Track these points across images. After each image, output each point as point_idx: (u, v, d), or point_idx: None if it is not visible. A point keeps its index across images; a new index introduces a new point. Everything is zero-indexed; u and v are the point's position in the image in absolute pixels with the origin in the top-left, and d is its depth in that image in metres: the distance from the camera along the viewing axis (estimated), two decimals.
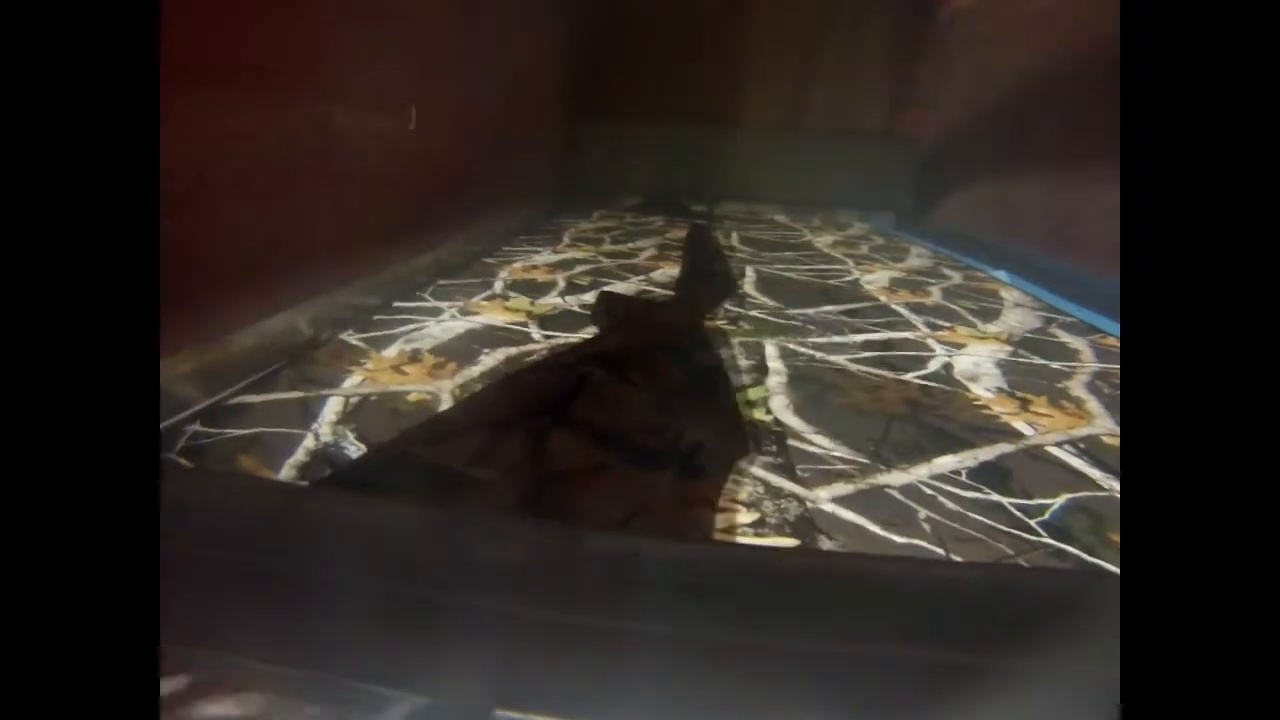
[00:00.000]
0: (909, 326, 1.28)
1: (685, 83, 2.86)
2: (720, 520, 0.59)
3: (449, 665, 0.32)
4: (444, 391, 0.85)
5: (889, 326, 1.28)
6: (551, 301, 1.32)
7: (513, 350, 1.01)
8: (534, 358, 0.97)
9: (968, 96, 2.46)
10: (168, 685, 0.29)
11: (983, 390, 0.96)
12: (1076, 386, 1.00)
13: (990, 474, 0.71)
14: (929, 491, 0.67)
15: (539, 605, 0.36)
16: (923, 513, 0.63)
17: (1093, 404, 0.93)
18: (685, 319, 1.19)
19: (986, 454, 0.76)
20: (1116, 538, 0.61)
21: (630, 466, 0.63)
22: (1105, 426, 0.86)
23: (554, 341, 1.06)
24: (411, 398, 0.83)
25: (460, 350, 1.00)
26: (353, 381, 0.88)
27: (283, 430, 0.73)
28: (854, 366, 1.03)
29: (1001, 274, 1.74)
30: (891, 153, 2.88)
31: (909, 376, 1.00)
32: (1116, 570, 0.56)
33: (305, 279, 1.03)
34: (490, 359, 0.97)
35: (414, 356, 0.98)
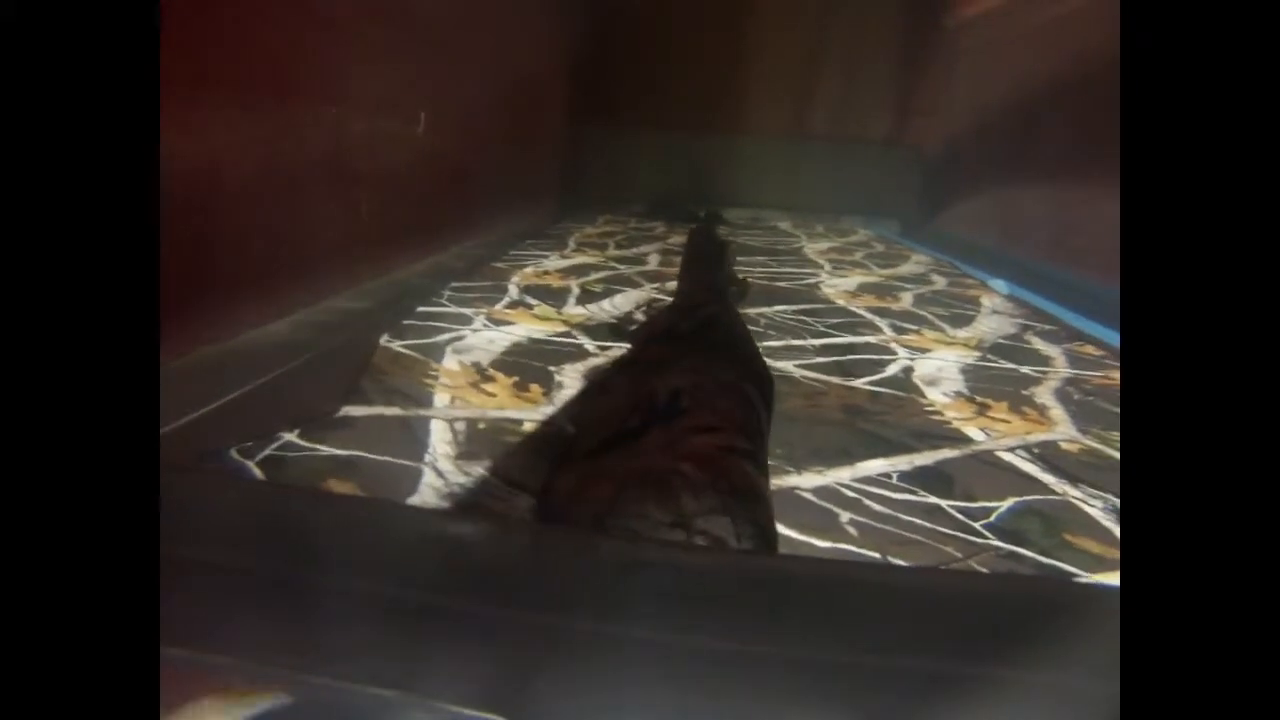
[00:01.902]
0: (875, 330, 1.26)
1: (690, 89, 2.90)
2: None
3: (449, 670, 0.33)
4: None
5: (851, 330, 1.26)
6: (583, 310, 1.28)
7: (579, 364, 0.97)
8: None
9: (973, 105, 2.50)
10: (167, 689, 0.29)
11: (939, 395, 0.92)
12: (1043, 393, 0.97)
13: (926, 478, 0.70)
14: (851, 494, 0.65)
15: (540, 611, 0.36)
16: (845, 515, 0.60)
17: (1057, 411, 0.91)
18: (679, 310, 1.14)
19: (924, 459, 0.74)
20: (1073, 539, 0.59)
21: (619, 454, 0.59)
22: (1066, 433, 0.83)
23: (610, 352, 1.03)
24: (527, 428, 0.76)
25: (523, 367, 0.95)
26: (442, 400, 0.81)
27: (386, 459, 0.66)
28: (799, 372, 0.98)
29: (1000, 283, 1.71)
30: (896, 160, 2.89)
31: (859, 382, 0.96)
32: (1077, 572, 0.55)
33: (313, 282, 1.04)
34: (568, 377, 0.92)
35: (483, 372, 0.92)
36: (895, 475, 0.68)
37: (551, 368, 0.95)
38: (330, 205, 1.10)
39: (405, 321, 1.11)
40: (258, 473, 0.61)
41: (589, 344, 1.07)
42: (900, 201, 2.87)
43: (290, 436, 0.68)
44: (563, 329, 1.15)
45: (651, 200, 2.92)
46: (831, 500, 0.63)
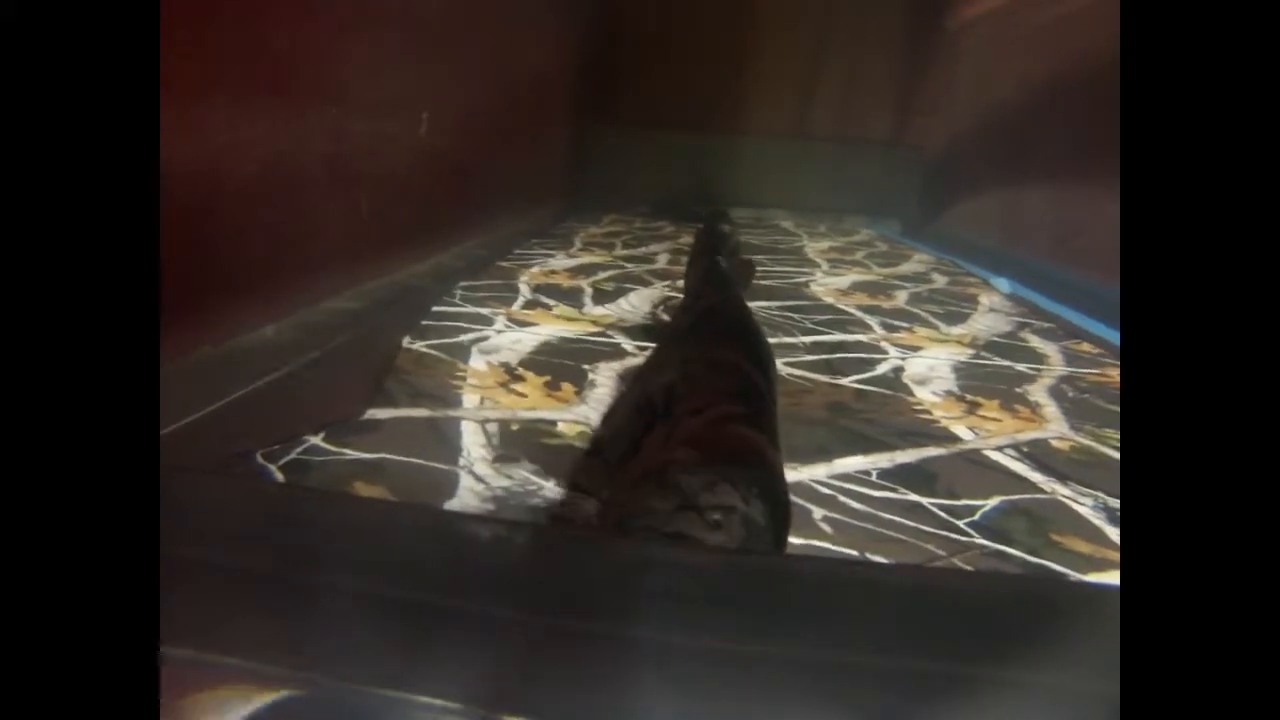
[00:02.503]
0: (867, 329, 1.26)
1: (693, 89, 2.92)
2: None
3: (452, 670, 0.32)
4: (593, 415, 0.77)
5: (841, 328, 1.25)
6: (603, 310, 1.26)
7: (615, 364, 0.95)
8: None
9: (975, 106, 2.50)
10: (167, 688, 0.29)
11: (929, 394, 0.91)
12: (1037, 390, 0.96)
13: (909, 475, 0.69)
14: (826, 491, 0.64)
15: (543, 611, 0.35)
16: (818, 512, 0.59)
17: (1050, 408, 0.90)
18: (682, 309, 1.13)
19: (907, 456, 0.73)
20: (1060, 538, 0.58)
21: (632, 462, 0.58)
22: (1058, 430, 0.83)
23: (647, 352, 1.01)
24: (562, 429, 0.73)
25: (555, 366, 0.93)
26: (471, 401, 0.79)
27: (417, 461, 0.64)
28: (786, 370, 0.98)
29: (1003, 281, 1.72)
30: (898, 160, 2.90)
31: (846, 380, 0.95)
32: (1066, 571, 0.54)
33: (316, 282, 1.05)
34: (601, 376, 0.90)
35: (512, 372, 0.90)
36: (875, 473, 0.67)
37: (585, 366, 0.92)
38: (332, 205, 1.10)
39: (424, 322, 1.10)
40: (280, 477, 0.60)
41: (627, 343, 1.05)
42: (902, 201, 2.87)
43: (315, 440, 0.66)
44: (594, 329, 1.13)
45: (657, 200, 2.91)
46: (805, 496, 0.62)
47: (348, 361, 0.92)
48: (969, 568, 0.54)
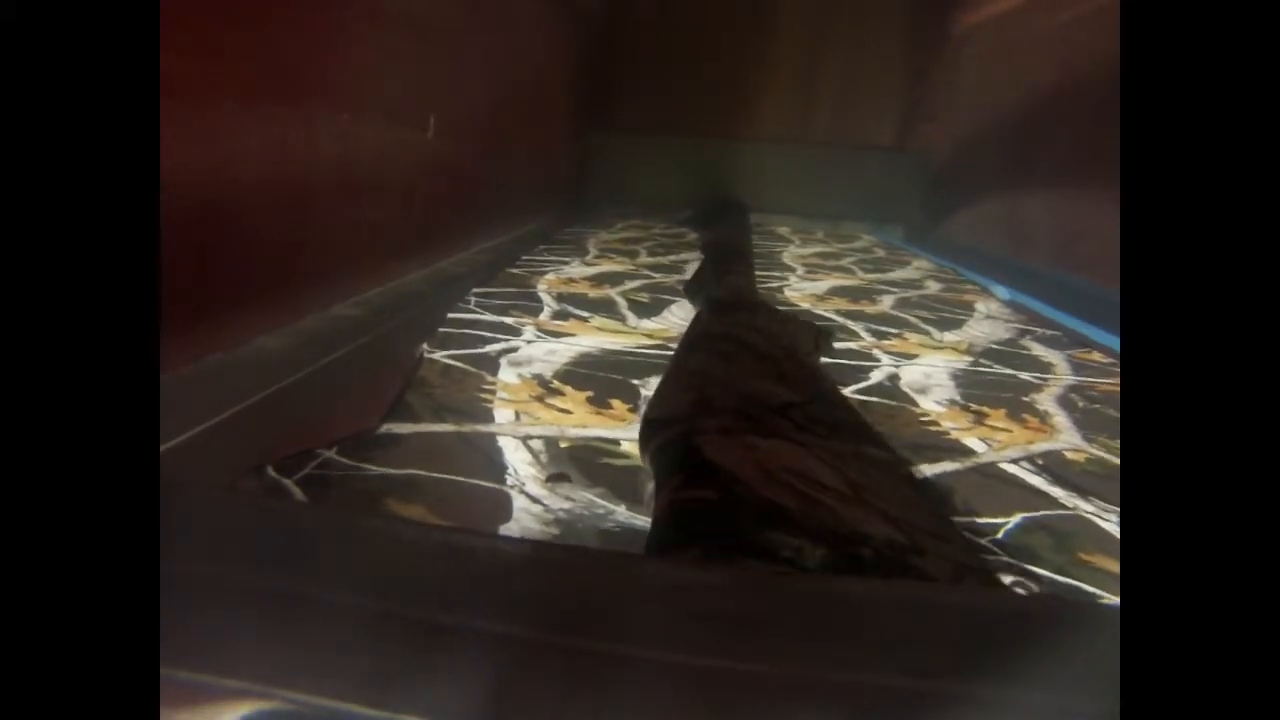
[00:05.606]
0: (857, 337, 1.21)
1: (697, 96, 2.96)
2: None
3: (448, 689, 0.32)
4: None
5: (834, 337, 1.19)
6: (651, 323, 1.20)
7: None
8: None
9: (978, 112, 2.53)
10: (165, 708, 0.29)
11: (933, 404, 0.86)
12: (1045, 400, 0.92)
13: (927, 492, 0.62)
14: None
15: (547, 630, 0.36)
16: None
17: (1060, 418, 0.86)
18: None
19: (920, 473, 0.69)
20: (1088, 556, 0.56)
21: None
22: (1070, 441, 0.80)
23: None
24: (628, 449, 0.68)
25: (598, 380, 0.87)
26: (505, 417, 0.74)
27: (456, 478, 0.60)
28: None
29: (1001, 289, 1.71)
30: (901, 166, 2.94)
31: (848, 391, 0.91)
32: (1096, 591, 0.52)
33: (323, 288, 1.04)
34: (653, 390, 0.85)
35: (548, 386, 0.85)
36: None
37: (635, 381, 0.87)
38: (340, 210, 1.10)
39: (441, 330, 1.05)
40: (298, 492, 0.57)
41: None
42: (905, 207, 2.90)
43: (329, 454, 0.63)
44: (648, 341, 1.07)
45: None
46: None
47: (360, 370, 0.88)
48: (1002, 588, 0.50)
